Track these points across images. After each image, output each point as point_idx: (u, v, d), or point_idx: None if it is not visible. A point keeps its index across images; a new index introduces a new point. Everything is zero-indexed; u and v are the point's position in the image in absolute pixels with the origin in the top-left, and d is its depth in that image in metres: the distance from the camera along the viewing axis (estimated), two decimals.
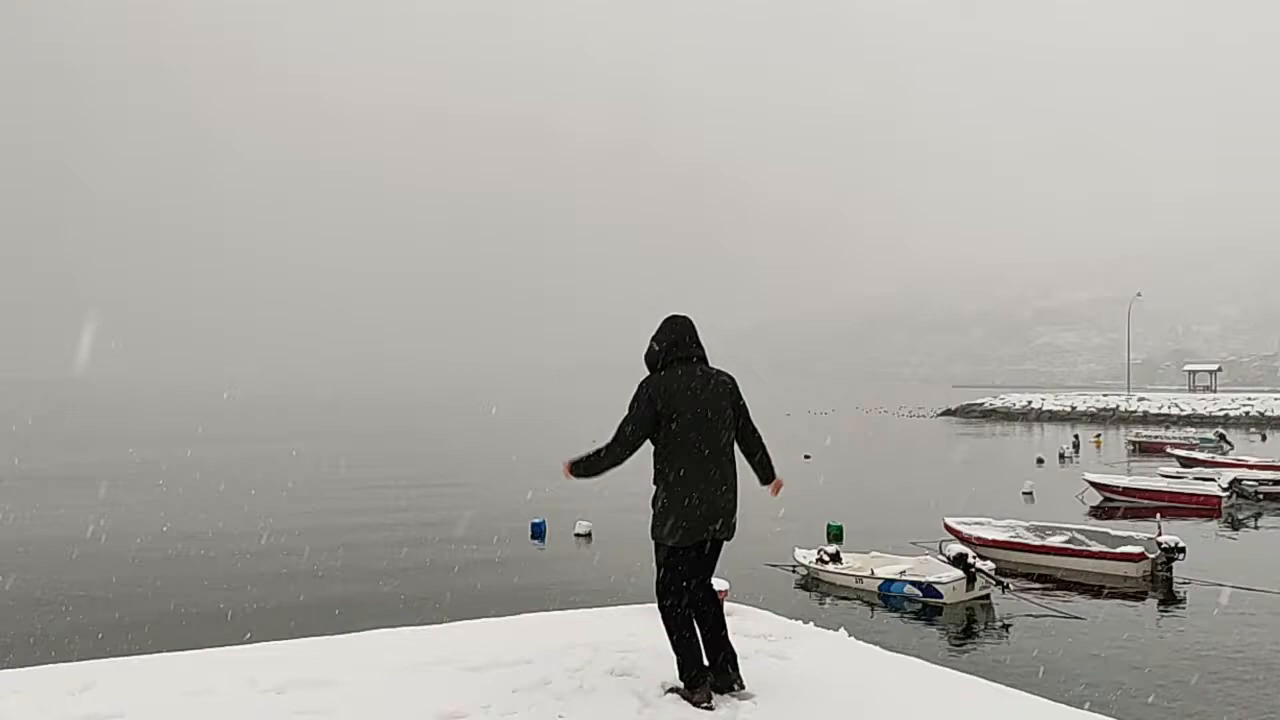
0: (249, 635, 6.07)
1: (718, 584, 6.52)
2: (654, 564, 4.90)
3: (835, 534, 19.93)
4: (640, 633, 5.85)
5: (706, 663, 4.80)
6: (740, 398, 4.99)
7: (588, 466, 4.84)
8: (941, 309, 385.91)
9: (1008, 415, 75.58)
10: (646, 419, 4.73)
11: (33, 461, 36.21)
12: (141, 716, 4.35)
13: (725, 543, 4.97)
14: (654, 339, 4.97)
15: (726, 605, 6.53)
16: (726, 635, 4.92)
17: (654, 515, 4.80)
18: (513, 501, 25.30)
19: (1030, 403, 79.10)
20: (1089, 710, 4.84)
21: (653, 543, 4.85)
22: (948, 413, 79.29)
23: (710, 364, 5.02)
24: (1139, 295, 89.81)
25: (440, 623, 6.27)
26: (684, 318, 5.03)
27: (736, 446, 4.99)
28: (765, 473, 5.14)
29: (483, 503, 25.81)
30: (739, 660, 4.95)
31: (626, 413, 4.79)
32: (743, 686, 4.83)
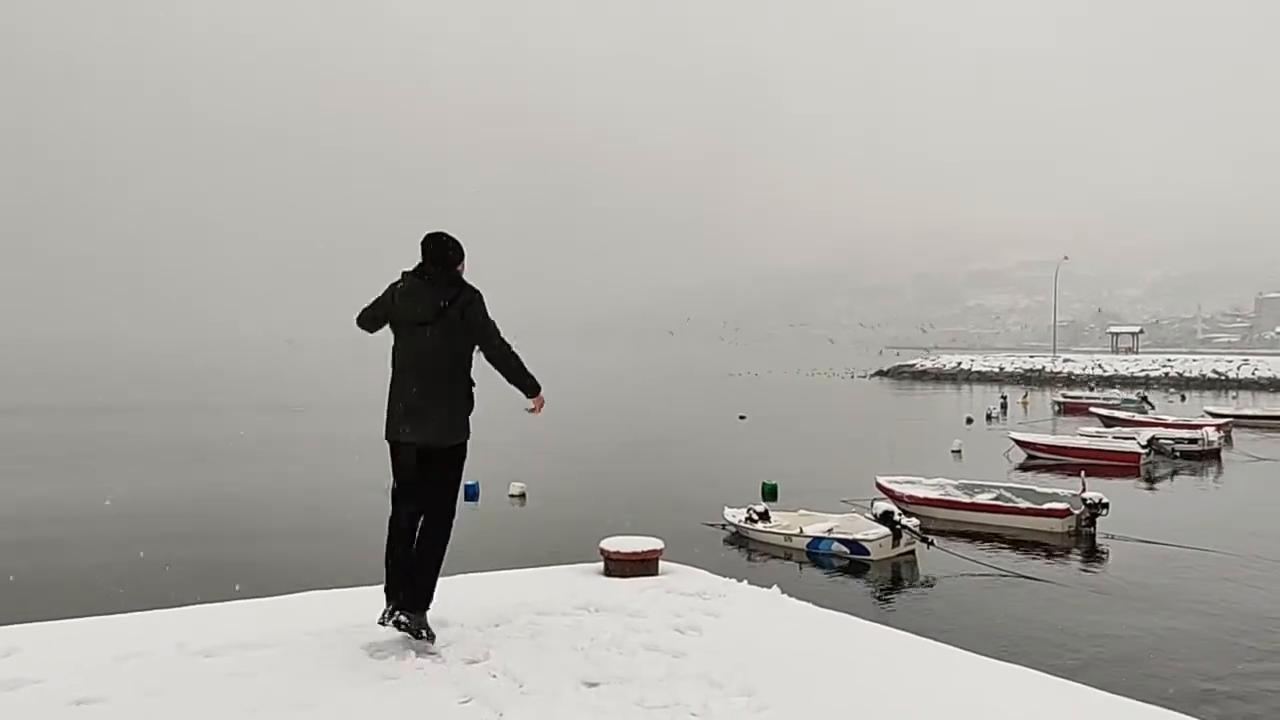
0: (177, 599, 5.97)
1: (651, 543, 6.53)
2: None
3: (770, 492, 20.16)
4: (579, 592, 5.87)
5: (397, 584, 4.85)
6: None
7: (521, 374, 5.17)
8: (876, 274, 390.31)
9: (938, 376, 76.97)
10: None
11: None
12: (68, 681, 4.26)
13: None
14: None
15: (662, 564, 6.58)
16: (417, 571, 4.87)
17: (466, 415, 5.19)
18: None
19: (960, 364, 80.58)
20: (1010, 662, 4.98)
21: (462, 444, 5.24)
22: (881, 374, 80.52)
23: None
24: (1066, 259, 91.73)
25: (373, 585, 6.22)
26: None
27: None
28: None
29: None
30: (673, 619, 5.24)
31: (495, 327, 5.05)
32: (418, 633, 4.76)
